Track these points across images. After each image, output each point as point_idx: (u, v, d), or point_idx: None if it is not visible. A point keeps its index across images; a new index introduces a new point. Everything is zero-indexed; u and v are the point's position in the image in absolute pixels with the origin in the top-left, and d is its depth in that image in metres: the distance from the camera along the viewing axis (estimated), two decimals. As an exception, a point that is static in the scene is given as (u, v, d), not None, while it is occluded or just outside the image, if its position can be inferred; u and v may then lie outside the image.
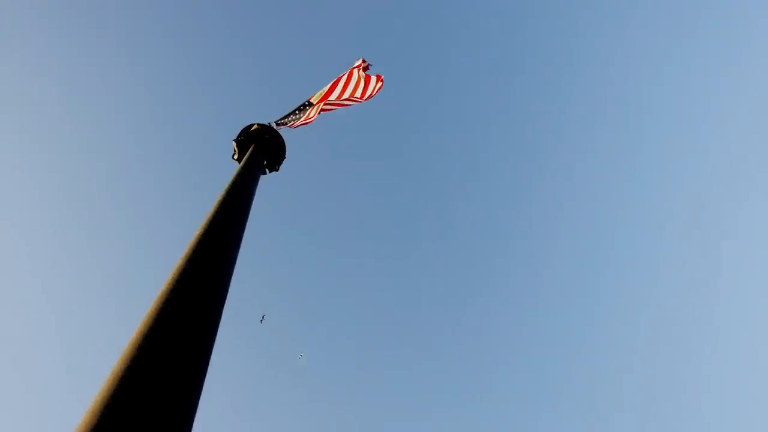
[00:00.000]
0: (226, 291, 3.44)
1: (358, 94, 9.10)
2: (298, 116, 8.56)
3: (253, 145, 6.99)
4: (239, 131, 7.56)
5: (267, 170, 7.26)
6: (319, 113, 8.68)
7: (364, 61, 9.64)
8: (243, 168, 5.87)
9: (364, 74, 9.21)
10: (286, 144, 7.50)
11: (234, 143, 7.47)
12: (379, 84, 9.28)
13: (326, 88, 8.87)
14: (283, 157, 7.50)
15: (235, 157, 7.50)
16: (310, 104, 8.57)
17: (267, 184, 7.85)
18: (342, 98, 8.90)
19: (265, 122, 8.18)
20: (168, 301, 2.94)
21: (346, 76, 9.00)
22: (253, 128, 7.45)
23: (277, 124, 8.61)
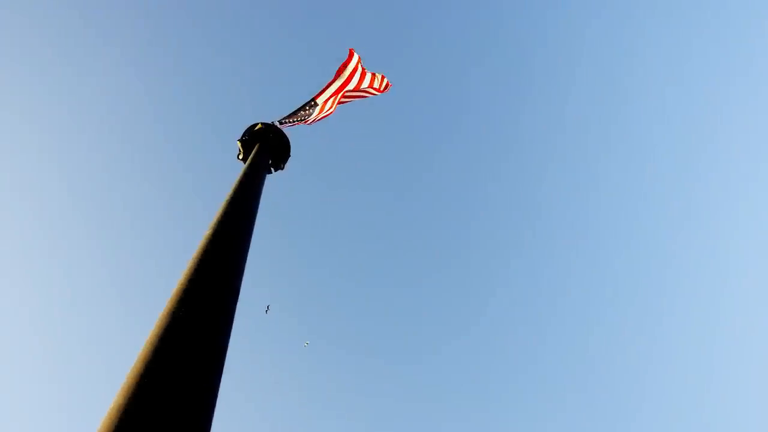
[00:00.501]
0: (238, 290, 3.45)
1: (376, 85, 9.15)
2: (302, 115, 8.57)
3: (257, 145, 6.99)
4: (243, 131, 7.57)
5: (272, 169, 7.26)
6: (337, 105, 8.69)
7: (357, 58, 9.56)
8: (248, 168, 5.88)
9: (379, 74, 9.22)
10: (290, 142, 7.50)
11: (239, 143, 7.48)
12: (389, 85, 9.32)
13: (340, 82, 8.85)
14: (288, 156, 7.51)
15: (240, 157, 7.51)
16: (316, 103, 8.57)
17: (274, 182, 7.86)
18: (360, 89, 8.92)
19: (269, 121, 8.20)
20: (181, 301, 2.96)
21: (359, 71, 9.00)
22: (257, 128, 7.45)
23: (281, 123, 8.61)
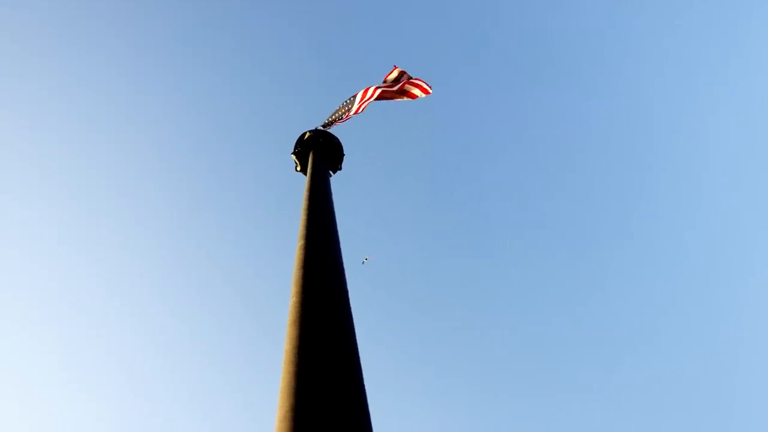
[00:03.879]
0: (347, 288, 3.68)
1: (416, 91, 9.09)
2: (342, 113, 8.76)
3: (312, 153, 7.24)
4: (294, 144, 7.86)
5: (331, 172, 7.49)
6: (375, 99, 8.78)
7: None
8: (312, 178, 6.12)
9: (421, 82, 9.11)
10: (341, 143, 7.72)
11: (293, 156, 7.79)
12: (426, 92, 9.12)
13: (381, 84, 8.98)
14: (342, 156, 7.73)
15: (298, 169, 7.82)
16: (353, 101, 8.76)
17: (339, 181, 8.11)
18: (399, 89, 8.95)
19: (312, 127, 8.43)
20: (304, 313, 3.21)
21: (401, 80, 9.04)
22: (306, 137, 7.72)
23: (325, 126, 8.82)
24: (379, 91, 8.80)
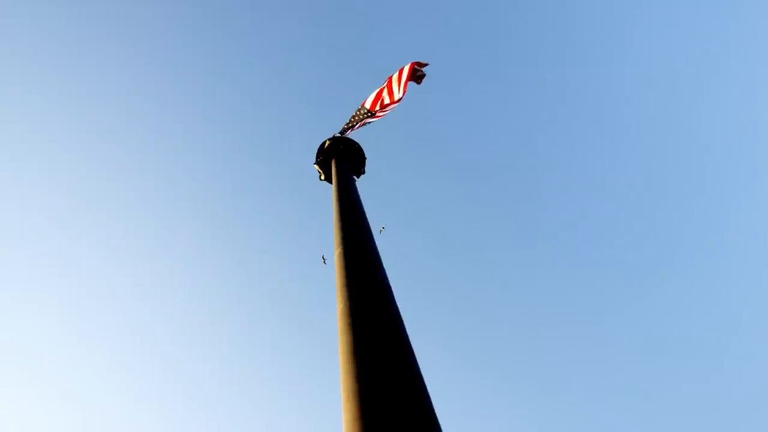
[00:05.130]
0: (390, 286, 3.72)
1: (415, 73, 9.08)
2: (358, 119, 8.80)
3: (334, 161, 7.31)
4: (315, 154, 7.96)
5: (355, 177, 7.55)
6: (402, 95, 8.80)
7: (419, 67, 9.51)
8: (339, 185, 6.19)
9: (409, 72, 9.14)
10: (362, 147, 7.78)
11: (316, 166, 7.88)
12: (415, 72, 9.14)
13: (387, 84, 9.01)
14: (364, 159, 7.79)
15: (322, 178, 7.90)
16: (367, 110, 8.79)
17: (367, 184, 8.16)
18: (406, 78, 8.98)
19: (332, 135, 8.50)
20: (354, 314, 3.28)
21: (405, 71, 9.10)
22: (326, 145, 7.80)
23: (342, 133, 8.89)
24: (408, 65, 8.78)
